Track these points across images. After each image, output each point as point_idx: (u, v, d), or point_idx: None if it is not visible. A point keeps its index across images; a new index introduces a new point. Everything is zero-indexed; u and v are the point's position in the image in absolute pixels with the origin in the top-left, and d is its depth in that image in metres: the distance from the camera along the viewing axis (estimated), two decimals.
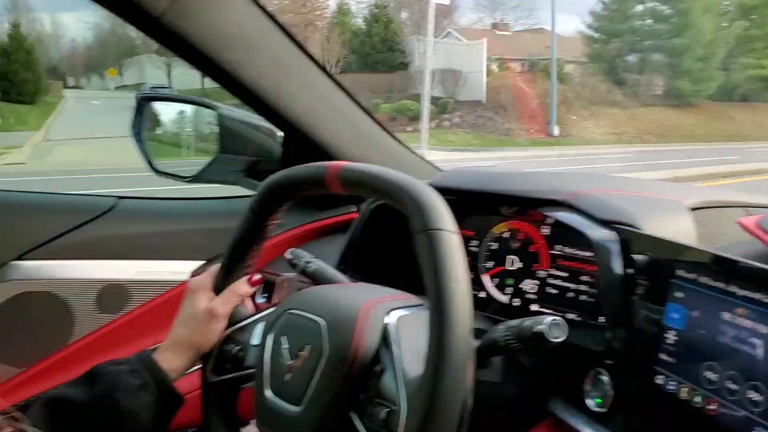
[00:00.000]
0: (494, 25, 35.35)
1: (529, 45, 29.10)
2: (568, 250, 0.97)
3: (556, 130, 22.18)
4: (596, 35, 29.84)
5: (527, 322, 0.75)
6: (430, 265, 0.67)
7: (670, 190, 1.05)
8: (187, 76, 29.05)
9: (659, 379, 0.76)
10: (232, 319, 0.93)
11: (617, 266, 0.84)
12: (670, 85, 26.90)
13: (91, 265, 1.34)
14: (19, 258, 1.29)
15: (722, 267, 0.71)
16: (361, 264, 1.21)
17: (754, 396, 0.65)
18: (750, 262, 0.69)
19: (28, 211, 1.35)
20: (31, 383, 1.30)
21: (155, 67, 36.20)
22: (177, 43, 1.04)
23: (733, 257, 0.71)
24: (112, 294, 1.35)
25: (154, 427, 0.86)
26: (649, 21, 28.93)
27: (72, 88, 42.22)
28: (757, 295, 0.66)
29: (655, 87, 27.32)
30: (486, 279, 1.07)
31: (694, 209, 0.96)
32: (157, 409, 0.86)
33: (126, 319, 1.36)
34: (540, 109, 22.33)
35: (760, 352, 0.66)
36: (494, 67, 25.78)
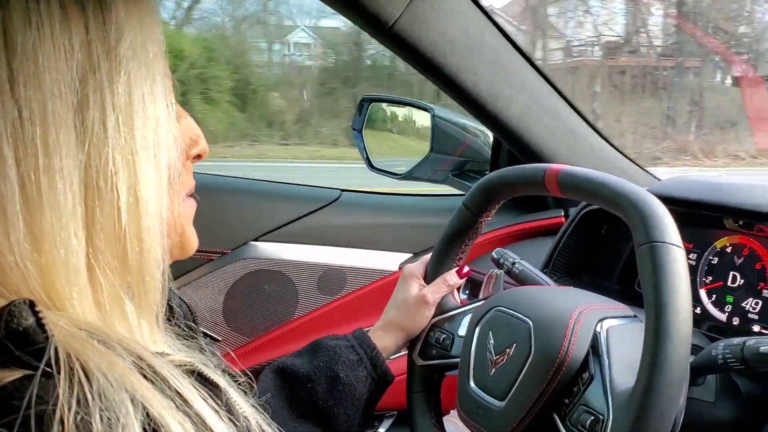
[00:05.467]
0: None
1: None
2: None
3: None
4: None
5: (751, 341, 0.71)
6: (652, 278, 0.66)
7: None
8: None
9: None
10: (440, 308, 0.97)
11: None
12: None
13: (316, 250, 1.48)
14: (257, 239, 1.46)
15: None
16: (567, 268, 1.21)
17: None
18: None
19: (266, 198, 1.51)
20: (257, 352, 1.46)
21: None
22: (406, 49, 1.11)
23: None
24: (331, 277, 1.48)
25: (366, 401, 0.92)
26: None
27: None
28: None
29: None
30: (703, 294, 1.02)
31: None
32: (370, 384, 0.92)
33: (341, 301, 1.48)
34: None
35: None
36: None
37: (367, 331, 0.98)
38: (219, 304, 1.44)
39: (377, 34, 1.09)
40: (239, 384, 0.56)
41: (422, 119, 1.66)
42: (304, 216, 1.47)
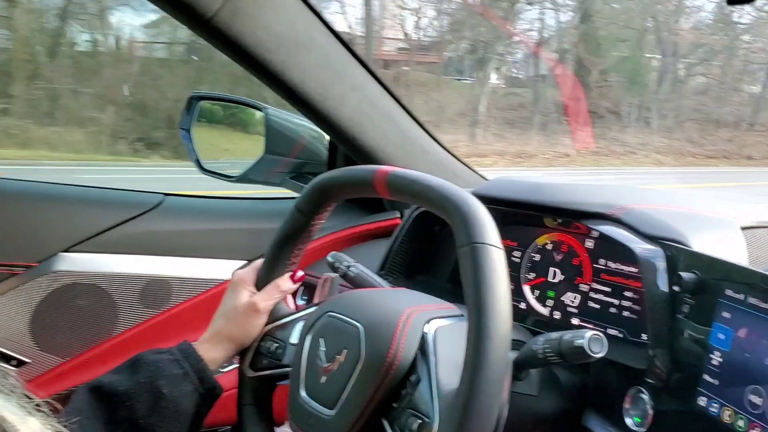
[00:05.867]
0: None
1: None
2: (612, 264, 0.95)
3: None
4: None
5: (567, 335, 0.73)
6: (472, 279, 0.66)
7: (721, 208, 1.02)
8: None
9: (701, 401, 0.74)
10: (273, 316, 0.94)
11: (663, 283, 0.82)
12: None
13: (136, 260, 1.37)
14: (68, 250, 1.32)
15: None
16: (402, 270, 1.21)
17: None
18: None
19: (78, 205, 1.38)
20: (74, 373, 1.33)
21: None
22: (227, 43, 1.05)
23: None
24: (155, 289, 1.38)
25: (193, 416, 0.86)
26: None
27: None
28: None
29: None
30: (527, 290, 1.06)
31: (745, 228, 0.93)
32: (196, 399, 0.86)
33: (167, 315, 1.38)
34: None
35: None
36: None
37: (194, 342, 0.92)
38: (25, 323, 1.29)
39: (195, 27, 1.02)
40: (38, 406, 0.49)
41: (257, 119, 1.61)
42: (122, 223, 1.36)
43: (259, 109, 1.53)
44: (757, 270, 0.72)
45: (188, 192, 1.53)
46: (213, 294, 1.41)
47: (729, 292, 0.73)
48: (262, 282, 0.95)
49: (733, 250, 0.88)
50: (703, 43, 17.67)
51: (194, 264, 1.41)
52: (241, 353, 0.94)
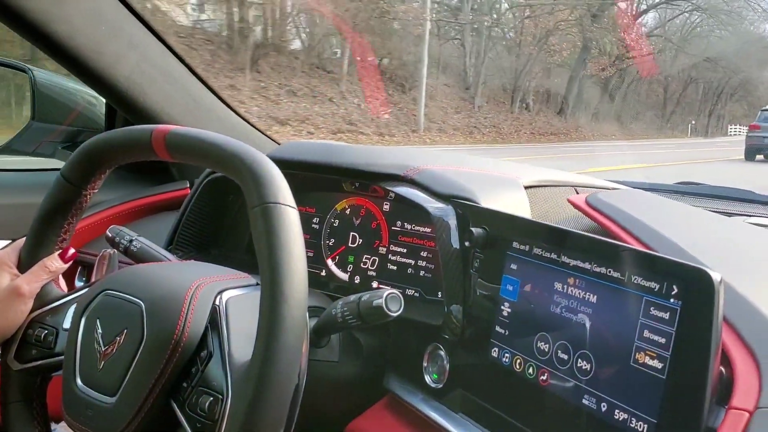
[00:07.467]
0: None
1: None
2: (408, 226, 0.96)
3: None
4: None
5: (365, 296, 0.74)
6: (265, 241, 0.62)
7: (506, 169, 1.07)
8: None
9: (494, 352, 0.77)
10: (41, 300, 0.84)
11: (455, 240, 0.84)
12: None
13: None
14: None
15: (555, 238, 0.72)
16: (193, 244, 1.13)
17: (583, 365, 0.67)
18: (580, 232, 0.71)
19: None
20: None
21: None
22: None
23: (564, 228, 0.72)
24: None
25: None
26: None
27: None
28: (587, 265, 0.68)
29: None
30: (327, 257, 1.04)
31: (528, 187, 0.99)
32: None
33: None
34: None
35: (588, 321, 0.67)
36: None
37: None
38: None
39: None
40: None
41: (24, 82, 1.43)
42: None
43: (22, 70, 1.36)
44: (539, 221, 0.76)
45: None
46: None
47: (515, 245, 0.76)
48: (26, 262, 0.84)
49: (518, 207, 0.92)
50: None
51: None
52: (4, 345, 0.83)
